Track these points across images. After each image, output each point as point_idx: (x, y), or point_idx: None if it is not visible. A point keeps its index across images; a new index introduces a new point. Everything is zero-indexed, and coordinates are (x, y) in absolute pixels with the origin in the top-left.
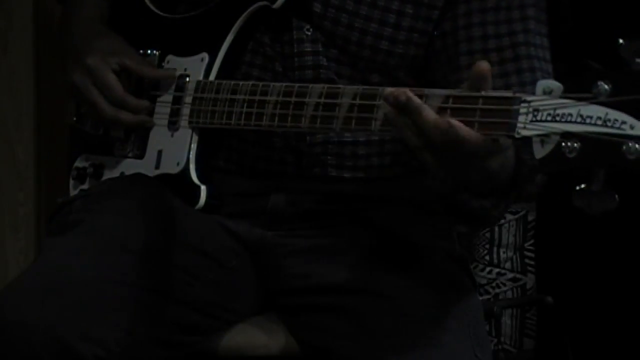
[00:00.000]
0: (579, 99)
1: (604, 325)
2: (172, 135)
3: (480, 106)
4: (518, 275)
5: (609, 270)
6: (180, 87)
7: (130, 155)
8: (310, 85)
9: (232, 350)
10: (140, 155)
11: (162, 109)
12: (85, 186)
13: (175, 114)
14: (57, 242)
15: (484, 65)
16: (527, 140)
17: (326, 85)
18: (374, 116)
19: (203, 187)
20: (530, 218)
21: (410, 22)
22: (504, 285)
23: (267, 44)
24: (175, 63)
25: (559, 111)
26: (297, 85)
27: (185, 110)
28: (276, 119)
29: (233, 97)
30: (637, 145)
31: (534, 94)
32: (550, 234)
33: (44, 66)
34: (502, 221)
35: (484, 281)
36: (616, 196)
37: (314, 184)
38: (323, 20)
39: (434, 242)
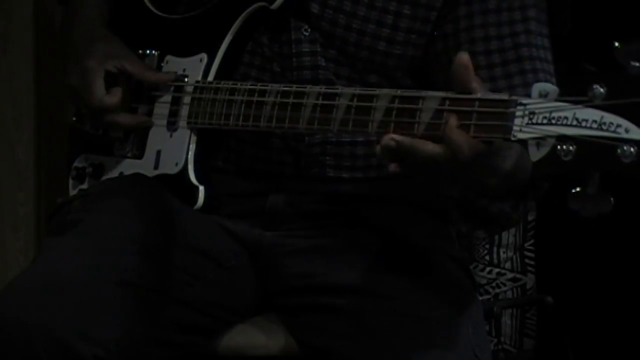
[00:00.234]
0: (575, 102)
1: (604, 325)
2: (170, 136)
3: (476, 109)
4: (518, 275)
5: (608, 270)
6: (179, 88)
7: (129, 155)
8: (308, 87)
9: (232, 350)
10: (139, 156)
11: (161, 110)
12: (84, 186)
13: (174, 115)
14: (57, 242)
15: (463, 56)
16: (523, 143)
17: (324, 87)
18: (371, 118)
19: (201, 188)
20: (530, 218)
21: (408, 23)
22: (504, 285)
23: (265, 44)
24: (174, 63)
25: (554, 114)
26: (295, 86)
27: (184, 111)
28: (274, 120)
29: (231, 98)
30: (632, 149)
31: (529, 96)
32: (550, 234)
33: (44, 66)
34: None
35: (484, 281)
36: (611, 199)
37: (312, 185)
38: (320, 21)
39: (433, 242)
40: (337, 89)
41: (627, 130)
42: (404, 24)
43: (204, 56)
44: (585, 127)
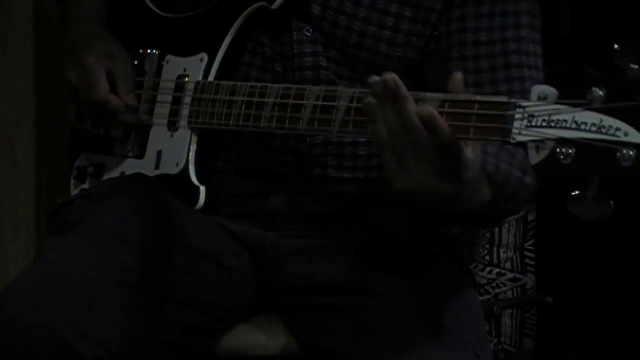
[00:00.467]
0: (574, 105)
1: (604, 325)
2: (171, 136)
3: (475, 111)
4: (518, 275)
5: (609, 270)
6: (180, 88)
7: (130, 155)
8: (308, 88)
9: (232, 350)
10: (140, 155)
11: (162, 109)
12: (85, 185)
13: (174, 114)
14: (57, 242)
15: (457, 76)
16: (522, 145)
17: (324, 88)
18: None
19: (202, 188)
20: (530, 218)
21: (408, 25)
22: (504, 285)
23: (266, 44)
24: (175, 63)
25: (554, 117)
26: (295, 87)
27: (185, 111)
28: (274, 120)
29: (231, 98)
30: (631, 152)
31: (529, 99)
32: (550, 234)
33: (44, 66)
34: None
35: (484, 281)
36: (611, 202)
37: (313, 185)
38: (321, 21)
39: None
40: (337, 90)
41: (626, 134)
42: (404, 26)
43: (205, 56)
44: (585, 130)
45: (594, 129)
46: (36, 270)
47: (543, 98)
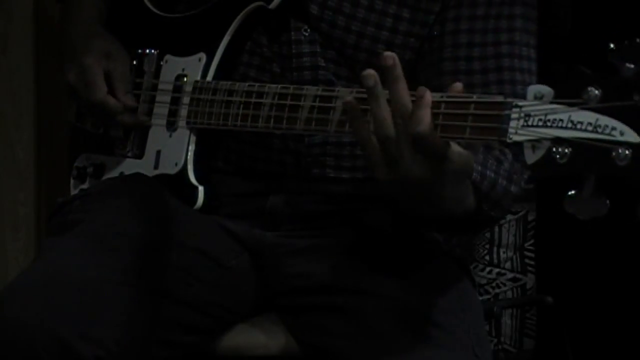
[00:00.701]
0: (570, 105)
1: (604, 325)
2: (170, 136)
3: (472, 111)
4: (518, 275)
5: (609, 270)
6: (178, 88)
7: (129, 155)
8: (305, 88)
9: (232, 350)
10: (139, 155)
11: (161, 110)
12: (85, 185)
13: (173, 115)
14: (57, 242)
15: (456, 87)
16: (519, 145)
17: (321, 88)
18: (368, 119)
19: (201, 188)
20: (530, 218)
21: (407, 26)
22: (504, 285)
23: (264, 44)
24: (173, 63)
25: (550, 116)
26: (292, 87)
27: (183, 111)
28: (272, 120)
29: (229, 98)
30: (627, 152)
31: (525, 98)
32: (550, 234)
33: (44, 66)
34: (502, 221)
35: (484, 281)
36: (607, 202)
37: (312, 185)
38: (320, 22)
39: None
40: (334, 91)
41: (622, 133)
42: (403, 27)
43: (203, 56)
44: (581, 129)
45: (589, 128)
46: (36, 270)
47: (539, 98)
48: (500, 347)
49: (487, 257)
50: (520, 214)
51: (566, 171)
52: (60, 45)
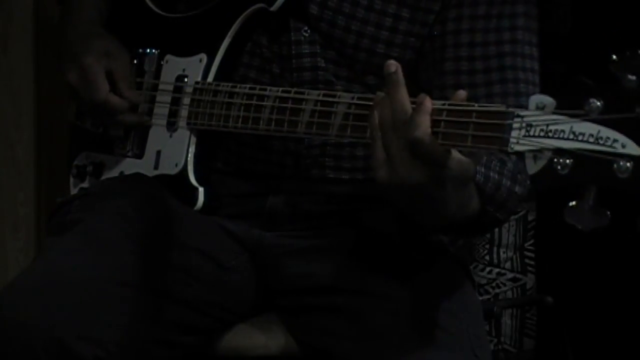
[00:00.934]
0: (572, 116)
1: (604, 325)
2: (170, 136)
3: (473, 120)
4: (518, 275)
5: (608, 270)
6: (179, 89)
7: (129, 154)
8: (307, 91)
9: (231, 350)
10: (139, 155)
11: (161, 110)
12: (85, 184)
13: (173, 115)
14: (57, 242)
15: (460, 95)
16: (520, 155)
17: (322, 92)
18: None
19: (201, 189)
20: (530, 218)
21: (406, 26)
22: (504, 285)
23: (264, 45)
24: (174, 63)
25: (551, 127)
26: (294, 90)
27: (184, 112)
28: (273, 123)
29: (230, 100)
30: (628, 164)
31: (527, 108)
32: (550, 234)
33: (44, 66)
34: None
35: (484, 281)
36: (608, 213)
37: (312, 186)
38: (319, 22)
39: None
40: (335, 95)
41: (623, 146)
42: (402, 27)
43: (204, 56)
44: (582, 140)
45: (591, 140)
46: (35, 270)
47: (541, 108)
48: (500, 347)
49: (487, 257)
50: (520, 214)
51: (567, 182)
52: (59, 46)
